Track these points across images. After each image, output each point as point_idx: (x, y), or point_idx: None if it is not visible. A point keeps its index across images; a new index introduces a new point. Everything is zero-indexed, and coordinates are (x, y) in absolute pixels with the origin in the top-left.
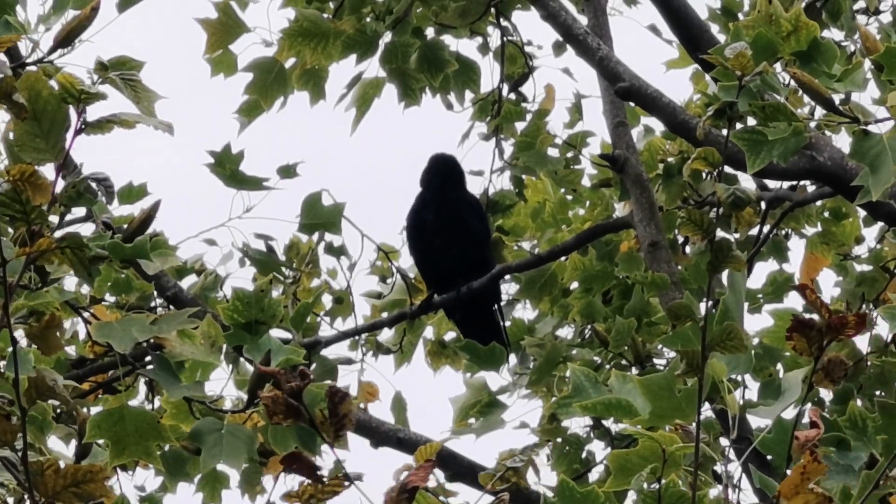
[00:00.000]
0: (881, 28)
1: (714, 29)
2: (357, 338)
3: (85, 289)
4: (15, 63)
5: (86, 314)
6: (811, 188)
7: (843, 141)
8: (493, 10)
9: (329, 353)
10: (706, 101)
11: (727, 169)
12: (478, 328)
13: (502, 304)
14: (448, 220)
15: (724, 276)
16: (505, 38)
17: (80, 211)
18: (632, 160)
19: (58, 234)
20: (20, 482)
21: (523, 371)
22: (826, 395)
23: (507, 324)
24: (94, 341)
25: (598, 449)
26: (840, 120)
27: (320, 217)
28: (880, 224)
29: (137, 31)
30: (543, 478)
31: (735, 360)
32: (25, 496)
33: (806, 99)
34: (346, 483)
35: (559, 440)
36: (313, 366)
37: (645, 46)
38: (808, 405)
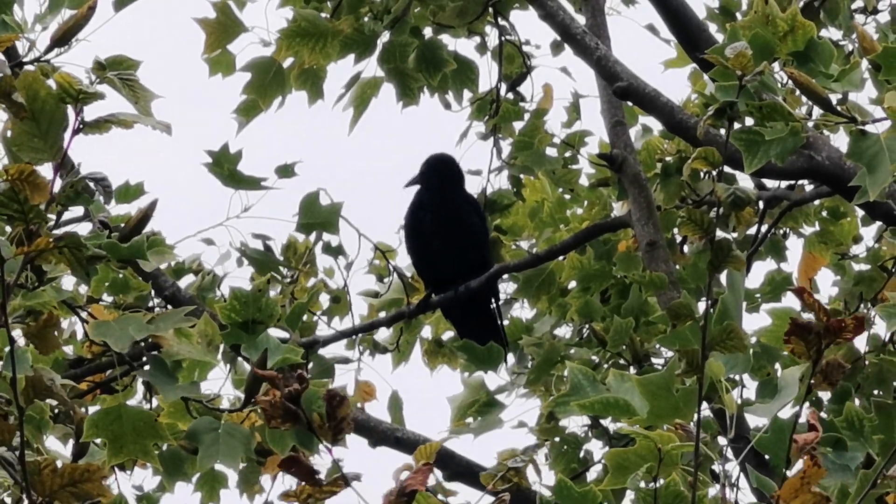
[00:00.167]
0: (879, 28)
1: (712, 28)
2: (354, 337)
3: (83, 288)
4: (12, 62)
5: (83, 314)
6: (809, 188)
7: (841, 140)
8: (490, 9)
9: (326, 352)
10: (704, 100)
11: (725, 168)
12: (476, 327)
13: (500, 303)
14: (446, 220)
15: (723, 275)
16: (503, 38)
17: (77, 210)
18: (630, 160)
19: (55, 233)
20: (17, 481)
21: (521, 370)
22: (824, 394)
23: (505, 323)
24: (91, 341)
25: (596, 448)
26: (837, 120)
27: (318, 217)
28: (878, 223)
29: (134, 30)
30: (543, 478)
31: (733, 360)
32: (23, 495)
33: (804, 98)
34: (349, 482)
35: (557, 439)
36: (310, 365)
37: (643, 46)
38: (806, 405)
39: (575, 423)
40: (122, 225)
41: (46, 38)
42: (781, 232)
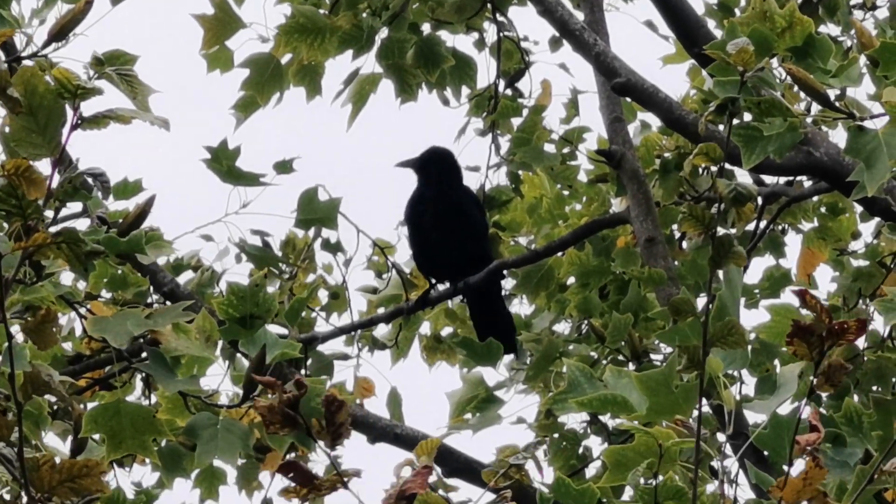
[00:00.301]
0: (877, 24)
1: (710, 24)
2: (353, 333)
3: (81, 285)
4: (9, 57)
5: (82, 310)
6: (808, 183)
7: (839, 136)
8: (489, 5)
9: (325, 348)
10: (703, 96)
11: (725, 164)
12: (487, 315)
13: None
14: (445, 212)
15: (720, 271)
16: (501, 34)
17: (75, 206)
18: (628, 156)
19: (52, 229)
20: (15, 477)
21: (520, 366)
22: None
23: None
24: (90, 337)
25: (595, 444)
26: (836, 115)
27: (316, 213)
28: (877, 219)
29: (132, 25)
30: (544, 475)
31: (731, 356)
32: (22, 491)
33: (802, 94)
34: (345, 479)
35: (556, 436)
36: (309, 361)
37: (641, 42)
38: (804, 403)
39: (574, 420)
40: (120, 221)
41: (44, 33)
42: (780, 228)
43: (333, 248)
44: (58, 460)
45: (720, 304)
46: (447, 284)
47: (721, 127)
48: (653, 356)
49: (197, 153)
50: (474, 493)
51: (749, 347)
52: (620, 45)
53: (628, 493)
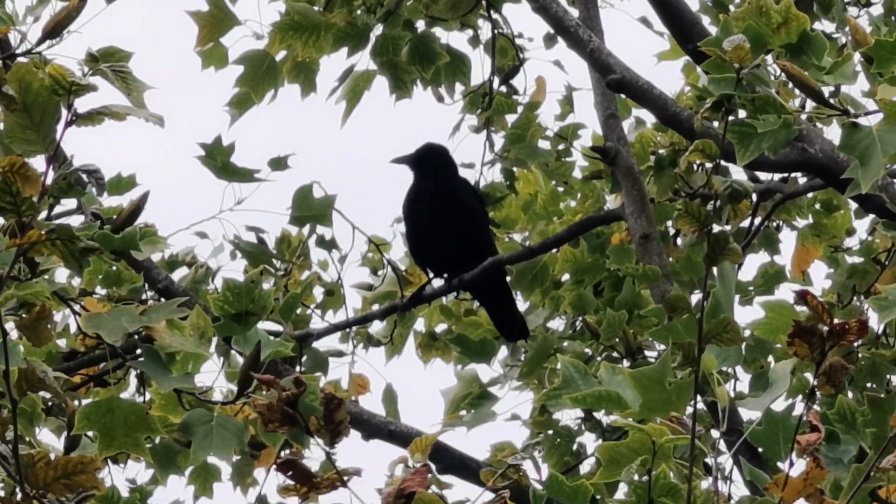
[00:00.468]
0: (872, 20)
1: (705, 21)
2: (348, 330)
3: (76, 282)
4: (4, 54)
5: (76, 306)
6: (802, 180)
7: (834, 133)
8: (483, 2)
9: (320, 345)
10: (697, 93)
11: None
12: (498, 307)
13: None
14: (442, 206)
15: (715, 268)
16: (496, 31)
17: (69, 203)
18: (623, 152)
19: (47, 225)
20: (10, 473)
21: (514, 363)
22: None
23: None
24: (84, 334)
25: (590, 441)
26: (830, 112)
27: (311, 209)
28: (871, 216)
29: (126, 22)
30: (543, 475)
31: (726, 353)
32: (17, 488)
33: (796, 91)
34: (346, 478)
35: (550, 432)
36: (304, 358)
37: (636, 38)
38: (805, 403)
39: (568, 416)
40: (115, 217)
41: (38, 31)
42: (775, 224)
43: (328, 244)
44: (52, 457)
45: (715, 300)
46: (444, 279)
47: (716, 123)
48: (647, 353)
49: (191, 150)
50: (469, 490)
51: (743, 344)
52: (615, 41)
53: (622, 489)
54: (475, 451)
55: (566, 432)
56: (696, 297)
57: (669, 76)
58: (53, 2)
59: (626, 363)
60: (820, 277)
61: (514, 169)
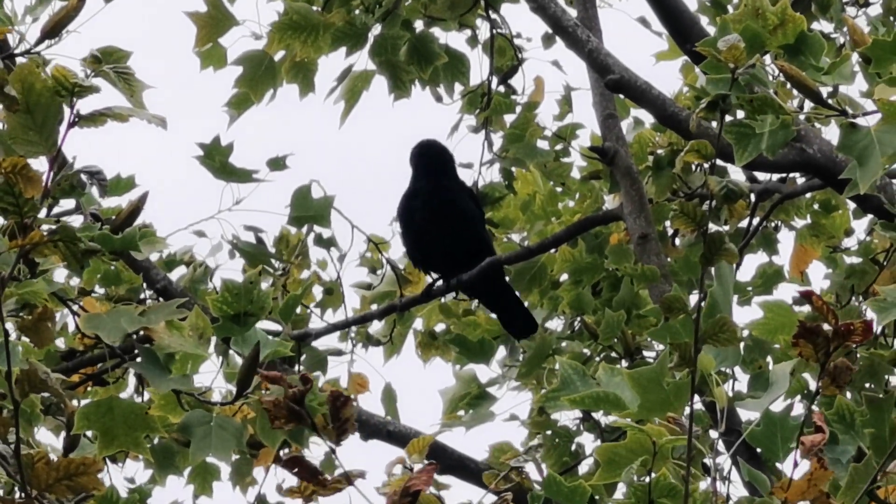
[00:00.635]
0: (870, 20)
1: (703, 21)
2: (346, 329)
3: (74, 281)
4: (3, 55)
5: (75, 306)
6: (801, 180)
7: (832, 133)
8: (482, 2)
9: (319, 344)
10: (695, 93)
11: (717, 161)
12: (500, 304)
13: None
14: (439, 206)
15: (713, 268)
16: (494, 31)
17: (67, 203)
18: (621, 152)
19: (45, 226)
20: (10, 474)
21: (513, 363)
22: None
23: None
24: (83, 333)
25: (588, 441)
26: (828, 112)
27: (310, 209)
28: (870, 216)
29: (125, 22)
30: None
31: (724, 353)
32: (15, 487)
33: (795, 91)
34: (351, 480)
35: (549, 433)
36: (303, 357)
37: (634, 38)
38: (810, 403)
39: (566, 417)
40: (114, 217)
41: (37, 31)
42: (773, 225)
43: (327, 244)
44: (53, 457)
45: (712, 301)
46: (442, 280)
47: (714, 124)
48: (645, 353)
49: (190, 150)
50: (467, 490)
51: (741, 344)
52: (613, 41)
53: (621, 490)
54: (473, 452)
55: (565, 433)
56: (694, 298)
57: (668, 76)
58: (52, 2)
59: (624, 363)
60: (818, 278)
61: (513, 169)
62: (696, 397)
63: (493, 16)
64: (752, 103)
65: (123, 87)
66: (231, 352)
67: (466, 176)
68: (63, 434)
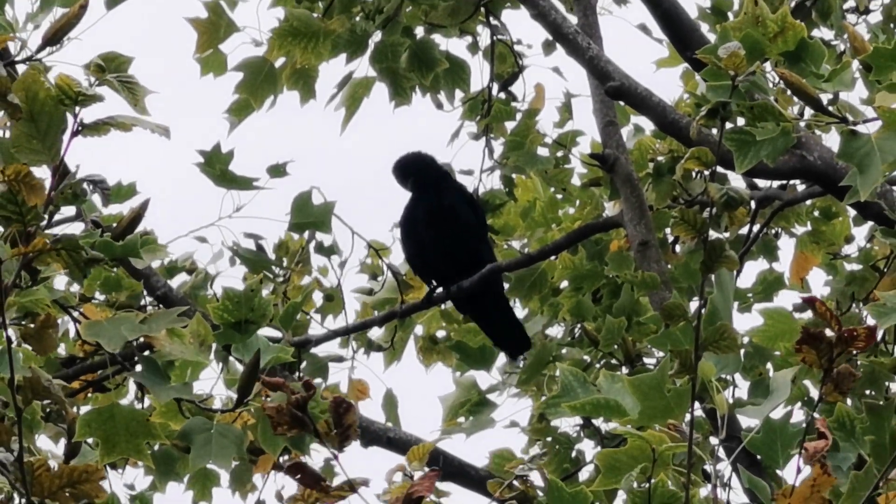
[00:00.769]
0: (870, 28)
1: (704, 28)
2: (347, 335)
3: (74, 287)
4: (4, 62)
5: (75, 313)
6: (801, 187)
7: (833, 140)
8: (482, 9)
9: (319, 350)
10: (696, 100)
11: (718, 168)
12: (493, 320)
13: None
14: (438, 212)
15: (713, 275)
16: (494, 38)
17: (68, 210)
18: (621, 159)
19: (52, 235)
20: (11, 483)
21: (513, 370)
22: (816, 394)
23: None
24: (83, 340)
25: (589, 448)
26: (828, 120)
27: (310, 216)
28: (870, 223)
29: (126, 29)
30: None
31: (724, 360)
32: (15, 494)
33: (795, 98)
34: (355, 488)
35: (549, 439)
36: (304, 364)
37: (635, 45)
38: (798, 407)
39: (567, 423)
40: (115, 225)
41: (38, 38)
42: (773, 232)
43: (328, 251)
44: (55, 465)
45: (712, 308)
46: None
47: (714, 131)
48: (646, 360)
49: (190, 157)
50: (467, 497)
51: (742, 351)
52: (614, 48)
53: (621, 496)
54: (474, 459)
55: (565, 439)
56: (694, 305)
57: (668, 83)
58: (54, 8)
59: (624, 370)
60: (818, 284)
61: (513, 176)
62: (697, 404)
63: (494, 22)
64: (753, 110)
65: (127, 96)
66: (231, 358)
67: (467, 182)
68: (63, 441)
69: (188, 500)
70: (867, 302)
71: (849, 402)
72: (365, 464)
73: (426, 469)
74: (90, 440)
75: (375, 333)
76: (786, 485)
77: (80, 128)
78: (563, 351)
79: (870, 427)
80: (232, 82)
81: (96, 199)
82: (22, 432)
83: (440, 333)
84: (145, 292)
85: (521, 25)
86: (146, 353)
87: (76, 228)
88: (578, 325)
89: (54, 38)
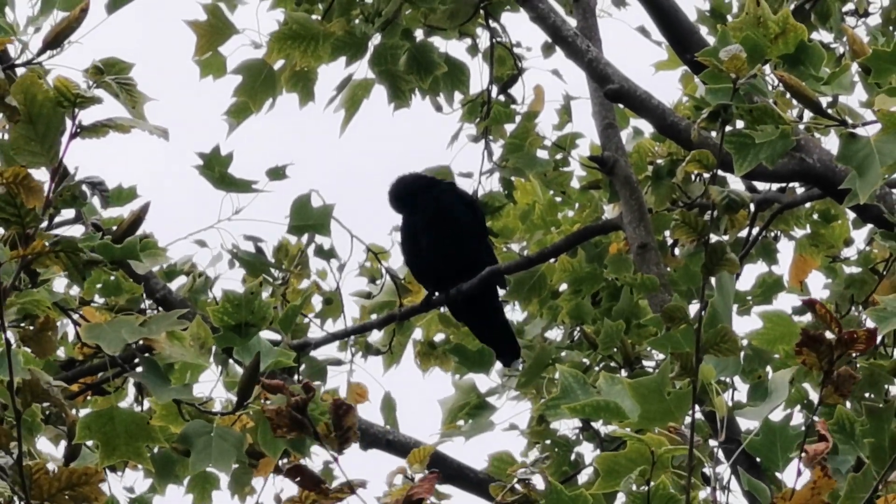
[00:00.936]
0: (869, 31)
1: (703, 30)
2: (346, 339)
3: (74, 290)
4: (4, 65)
5: (75, 316)
6: (800, 190)
7: (832, 143)
8: (482, 11)
9: (318, 353)
10: (695, 103)
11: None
12: (487, 326)
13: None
14: (437, 217)
15: (713, 278)
16: (494, 40)
17: (68, 213)
18: (621, 162)
19: (51, 237)
20: (10, 486)
21: (512, 373)
22: (815, 396)
23: None
24: (83, 343)
25: (588, 451)
26: (827, 123)
27: (309, 218)
28: (869, 226)
29: (126, 32)
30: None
31: (724, 363)
32: (14, 497)
33: (794, 101)
34: (354, 489)
35: (548, 442)
36: (303, 367)
37: (634, 48)
38: (797, 410)
39: (566, 426)
40: (115, 227)
41: (39, 41)
42: (772, 234)
43: (327, 254)
44: (55, 467)
45: (712, 310)
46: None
47: (714, 133)
48: (645, 363)
49: (189, 159)
50: (466, 500)
51: (741, 354)
52: (613, 51)
53: (620, 499)
54: (473, 461)
55: (564, 442)
56: (694, 307)
57: (667, 86)
58: (54, 12)
59: (624, 373)
60: (818, 287)
61: (513, 178)
62: (696, 407)
63: (493, 25)
64: (752, 113)
65: (125, 99)
66: (230, 361)
67: (466, 185)
68: (62, 443)
69: (188, 502)
70: (867, 305)
71: (848, 404)
72: (364, 466)
73: (428, 471)
74: (90, 443)
75: (374, 337)
76: (785, 487)
77: (78, 130)
78: (563, 354)
79: (869, 430)
80: (231, 85)
81: (97, 201)
82: (21, 435)
83: (439, 337)
84: (145, 295)
85: (520, 28)
86: (146, 355)
87: (77, 231)
88: (578, 328)
89: (55, 41)
